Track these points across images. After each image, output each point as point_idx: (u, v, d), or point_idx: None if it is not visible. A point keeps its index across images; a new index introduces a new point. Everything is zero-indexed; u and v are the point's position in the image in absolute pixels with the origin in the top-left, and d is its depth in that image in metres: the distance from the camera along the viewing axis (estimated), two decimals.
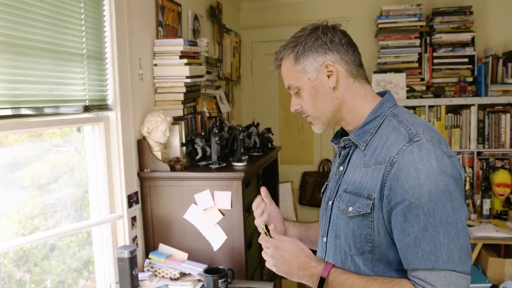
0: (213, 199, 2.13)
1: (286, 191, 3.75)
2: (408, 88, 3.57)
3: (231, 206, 2.11)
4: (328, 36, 1.14)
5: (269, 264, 1.17)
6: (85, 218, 1.99)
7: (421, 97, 3.55)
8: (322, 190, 1.33)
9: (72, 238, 1.91)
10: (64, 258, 1.85)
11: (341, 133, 1.27)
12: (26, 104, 1.54)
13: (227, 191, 2.10)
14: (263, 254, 1.19)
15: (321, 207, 1.30)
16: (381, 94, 1.21)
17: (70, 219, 1.91)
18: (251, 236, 2.29)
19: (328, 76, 1.14)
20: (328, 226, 1.21)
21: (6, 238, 1.59)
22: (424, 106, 3.49)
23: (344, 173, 1.19)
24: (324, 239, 1.23)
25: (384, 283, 1.04)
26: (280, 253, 1.14)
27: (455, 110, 3.57)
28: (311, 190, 3.97)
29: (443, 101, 3.47)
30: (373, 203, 1.05)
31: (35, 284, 1.71)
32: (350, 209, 1.10)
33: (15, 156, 1.65)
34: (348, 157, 1.19)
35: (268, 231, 1.23)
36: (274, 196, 3.07)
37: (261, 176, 2.67)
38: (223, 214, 2.12)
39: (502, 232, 2.96)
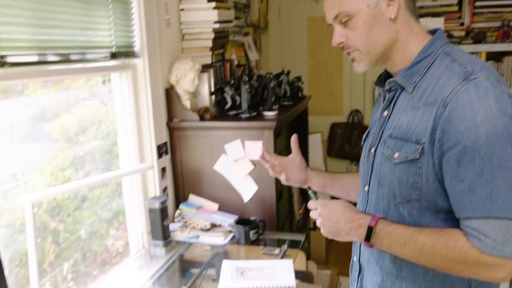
0: (244, 149, 2.07)
1: (315, 142, 3.67)
2: (446, 34, 3.36)
3: None
4: None
5: (318, 224, 1.13)
6: (114, 170, 1.97)
7: (459, 43, 3.35)
8: (364, 137, 1.26)
9: (102, 190, 1.91)
10: (95, 209, 1.85)
11: (385, 76, 1.18)
12: (52, 51, 1.48)
13: (258, 141, 2.04)
14: (311, 215, 1.15)
15: (362, 155, 1.23)
16: (432, 32, 1.10)
17: (99, 171, 1.90)
18: (281, 187, 2.25)
19: (388, 6, 1.03)
20: (371, 174, 1.14)
21: (39, 189, 1.58)
22: None
23: (388, 118, 1.10)
24: (366, 188, 1.17)
25: (433, 233, 0.97)
26: (327, 209, 1.10)
27: (496, 57, 3.36)
28: (340, 141, 3.86)
29: (483, 48, 3.25)
30: (422, 148, 0.97)
31: (69, 234, 1.72)
32: (396, 155, 1.02)
33: (43, 109, 1.62)
34: (394, 101, 1.10)
35: (315, 194, 1.25)
36: (304, 147, 3.00)
37: (291, 126, 2.60)
38: (254, 165, 2.08)
39: None
